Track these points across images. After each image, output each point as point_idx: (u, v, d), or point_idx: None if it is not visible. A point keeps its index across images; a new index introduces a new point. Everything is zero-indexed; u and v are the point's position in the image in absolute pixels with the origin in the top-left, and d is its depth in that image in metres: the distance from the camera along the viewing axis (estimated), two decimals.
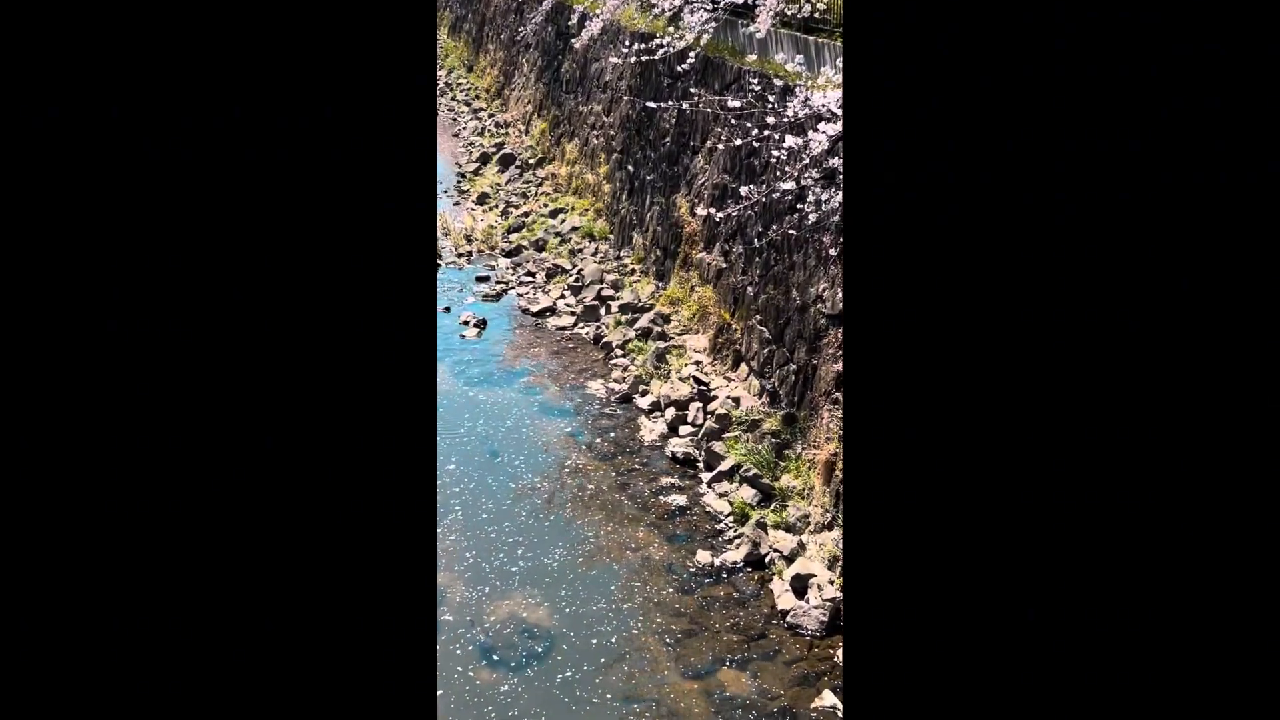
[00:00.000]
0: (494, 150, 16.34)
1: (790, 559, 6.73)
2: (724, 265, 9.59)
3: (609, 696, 5.57)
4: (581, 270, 12.48)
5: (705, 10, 9.90)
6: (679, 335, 10.23)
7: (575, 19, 13.63)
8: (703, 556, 6.81)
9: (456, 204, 14.39)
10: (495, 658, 5.81)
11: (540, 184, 14.75)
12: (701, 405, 8.58)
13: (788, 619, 6.30)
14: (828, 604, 6.07)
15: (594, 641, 5.99)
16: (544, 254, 12.66)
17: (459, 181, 15.19)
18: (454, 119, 18.26)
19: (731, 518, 7.21)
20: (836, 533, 6.66)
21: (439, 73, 20.70)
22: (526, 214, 13.91)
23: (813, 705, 5.42)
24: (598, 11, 12.79)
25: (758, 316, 8.78)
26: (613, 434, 8.58)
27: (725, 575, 6.66)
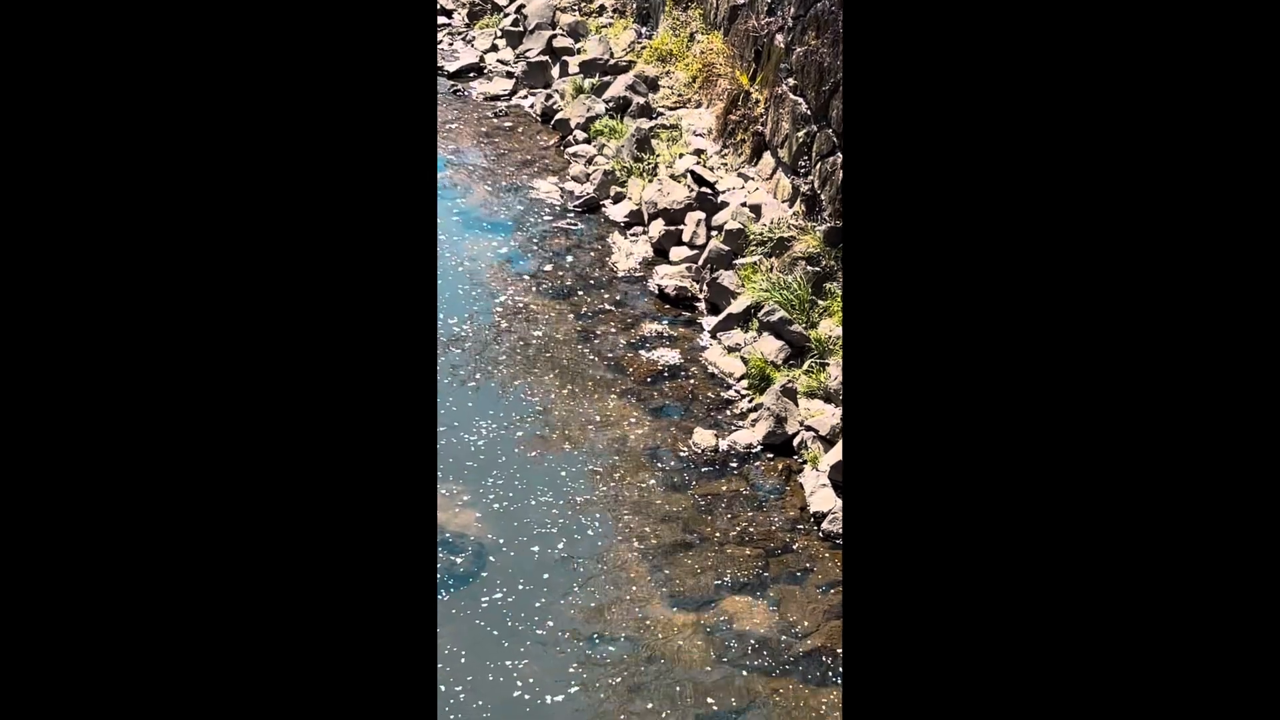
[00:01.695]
0: None
1: (830, 441, 6.58)
2: (740, 0, 8.98)
3: (563, 635, 5.53)
4: (523, 8, 11.59)
5: None
6: (672, 110, 9.86)
7: None
8: (703, 438, 6.86)
9: None
10: None
11: None
12: (704, 216, 8.56)
13: (823, 525, 6.24)
14: None
15: (542, 558, 6.00)
16: None
17: None
18: None
19: (745, 382, 7.28)
20: None
21: None
22: None
23: None
24: None
25: (791, 81, 8.37)
26: (571, 259, 8.68)
27: (735, 464, 6.74)
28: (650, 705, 5.15)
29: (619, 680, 5.28)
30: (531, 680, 5.21)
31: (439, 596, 5.66)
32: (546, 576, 5.82)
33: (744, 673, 5.35)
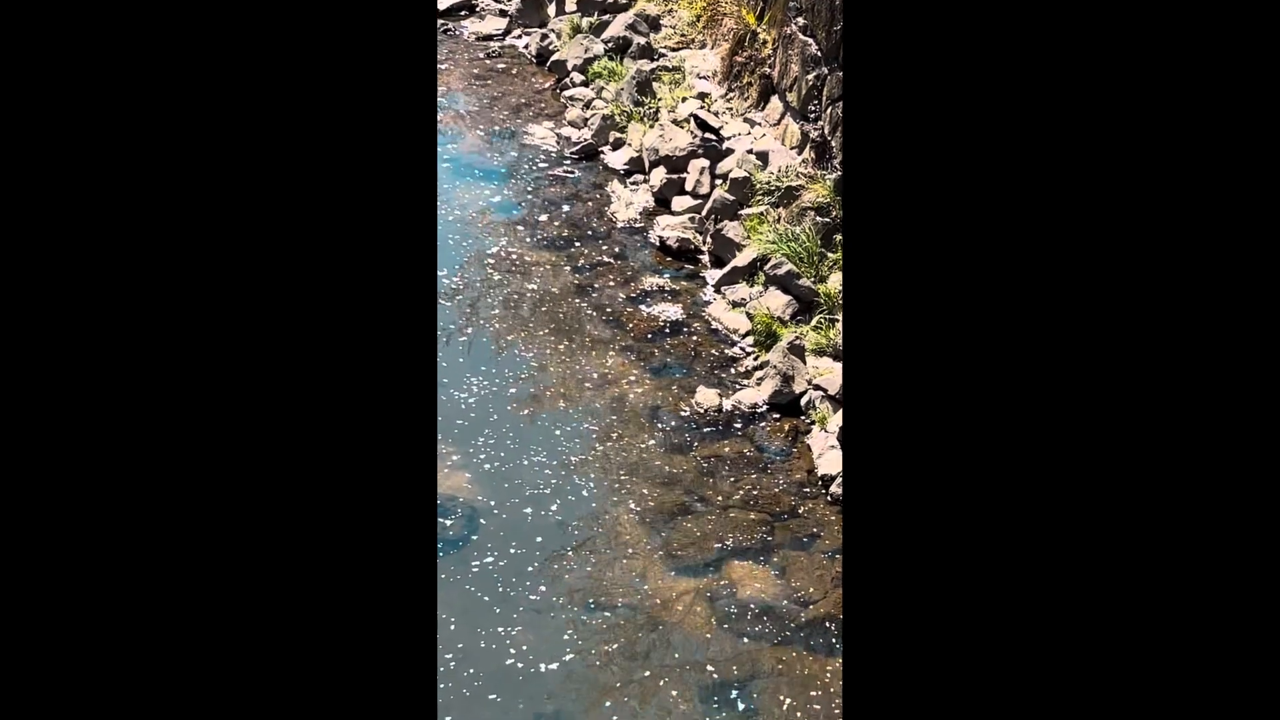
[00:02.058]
0: None
1: (840, 400, 6.67)
2: None
3: (557, 601, 5.61)
4: None
5: None
6: (674, 51, 9.86)
7: None
8: (706, 397, 6.91)
9: None
10: None
11: None
12: (708, 164, 8.57)
13: (831, 489, 6.34)
14: None
15: (536, 521, 6.07)
16: None
17: None
18: None
19: (751, 339, 7.34)
20: None
21: None
22: None
23: None
24: None
25: (800, 20, 8.37)
26: (567, 209, 8.70)
27: (739, 425, 6.79)
28: (648, 674, 5.24)
29: (616, 649, 5.36)
30: (525, 648, 5.30)
31: None
32: (540, 540, 5.89)
33: (747, 641, 5.44)
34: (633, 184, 8.79)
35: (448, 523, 5.96)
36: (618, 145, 9.15)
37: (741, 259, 7.64)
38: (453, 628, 5.38)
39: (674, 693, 5.16)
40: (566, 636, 5.39)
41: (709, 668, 5.32)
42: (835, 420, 6.53)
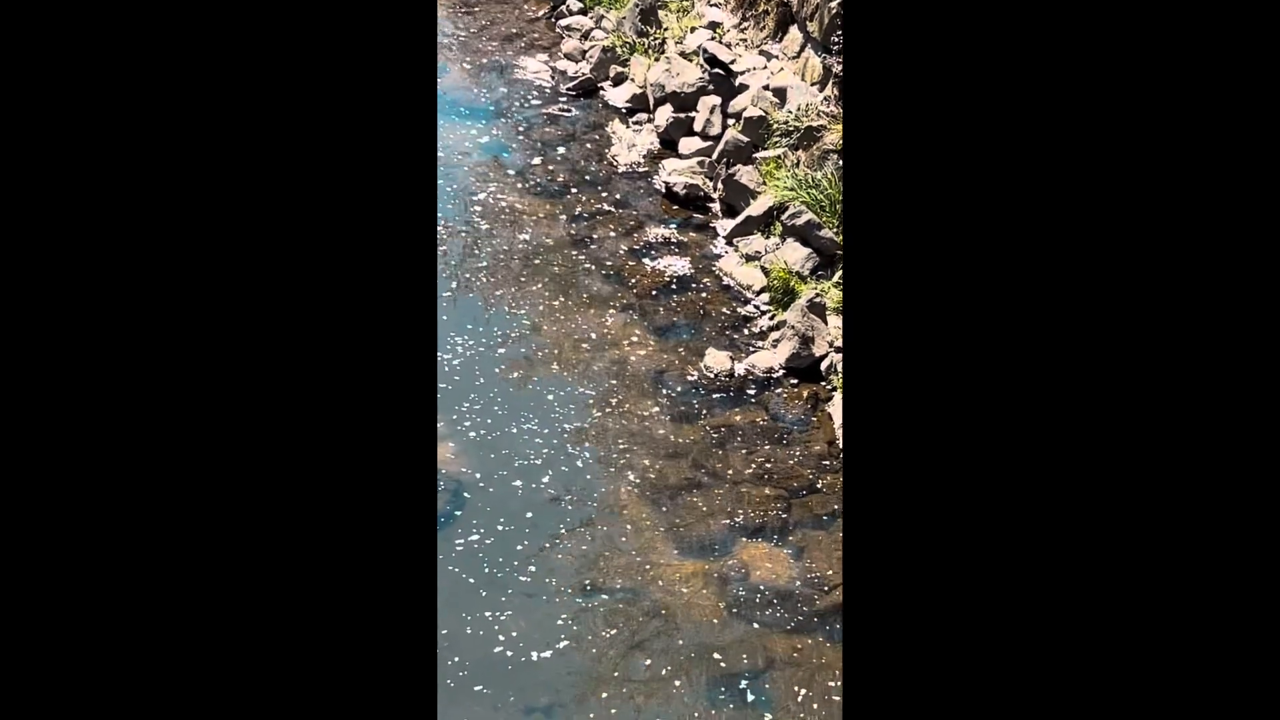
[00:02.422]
0: None
1: None
2: None
3: (551, 584, 5.55)
4: None
5: None
6: None
7: None
8: (716, 360, 6.87)
9: None
10: None
11: None
12: (719, 102, 8.50)
13: None
14: None
15: (528, 496, 6.02)
16: None
17: None
18: None
19: (766, 295, 7.30)
20: None
21: None
22: None
23: None
24: None
25: None
26: (564, 151, 8.64)
27: (753, 391, 6.75)
28: (649, 663, 5.19)
29: (615, 636, 5.31)
30: (515, 634, 5.25)
31: None
32: (531, 517, 5.83)
33: (759, 628, 5.39)
34: (635, 124, 8.71)
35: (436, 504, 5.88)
36: (619, 80, 9.06)
37: (756, 207, 7.57)
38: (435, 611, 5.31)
39: (678, 684, 5.11)
40: (561, 623, 5.33)
41: (717, 657, 5.25)
42: None
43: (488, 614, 5.33)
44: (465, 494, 5.96)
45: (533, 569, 5.56)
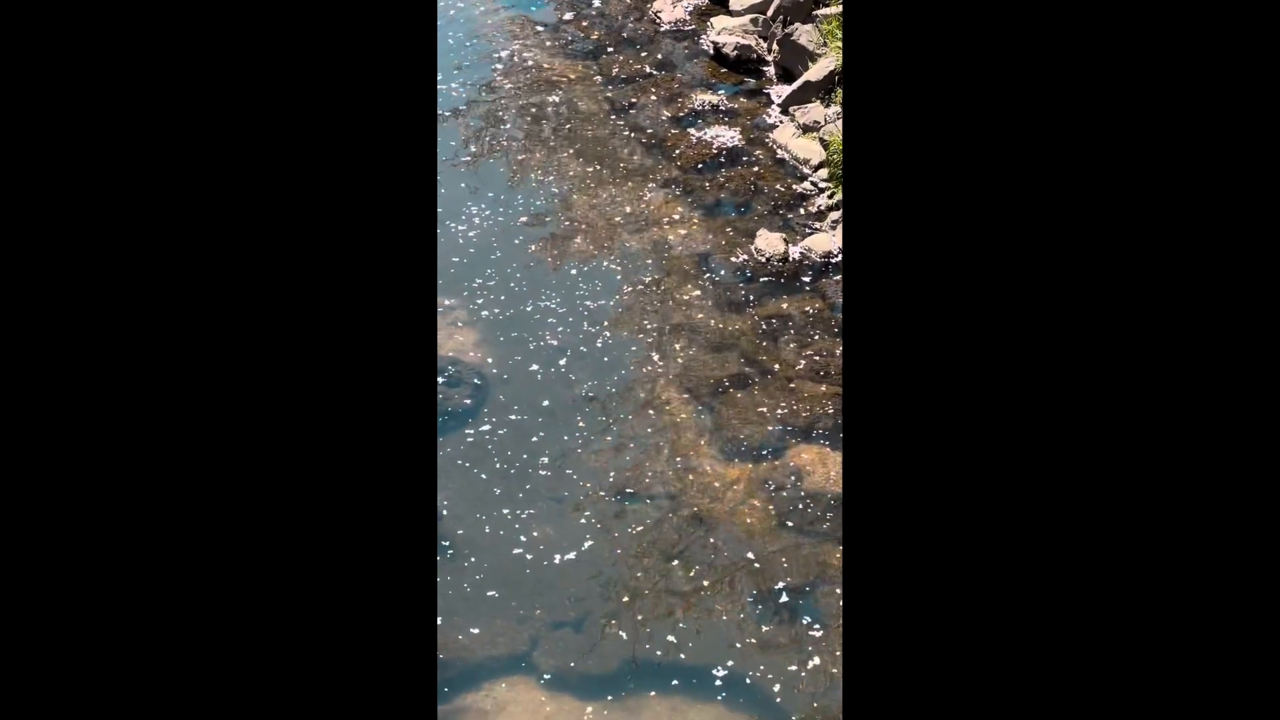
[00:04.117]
0: None
1: None
2: None
3: (580, 485, 5.39)
4: None
5: None
6: None
7: None
8: (768, 242, 6.71)
9: None
10: None
11: None
12: None
13: None
14: None
15: (552, 389, 5.86)
16: None
17: None
18: None
19: (824, 171, 7.10)
20: None
21: None
22: None
23: None
24: None
25: None
26: (599, 5, 8.51)
27: (808, 277, 6.57)
28: (690, 575, 4.98)
29: (651, 544, 5.11)
30: (538, 538, 5.07)
31: None
32: (557, 413, 5.68)
33: (811, 540, 5.22)
34: None
35: (457, 401, 5.81)
36: None
37: (815, 72, 7.31)
38: (446, 512, 5.20)
39: (720, 598, 4.92)
40: (589, 528, 5.15)
41: (767, 572, 5.07)
42: None
43: (505, 512, 5.17)
44: (482, 384, 5.83)
45: (559, 469, 5.41)
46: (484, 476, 5.33)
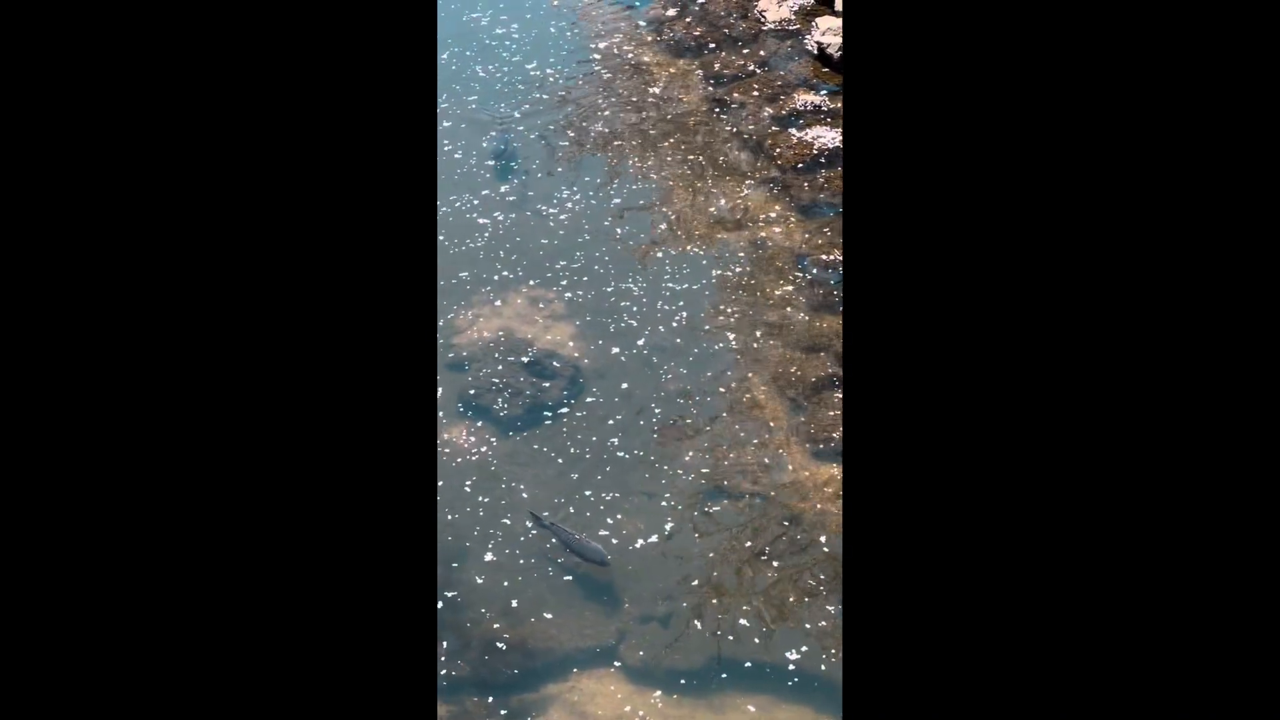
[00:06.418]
0: None
1: None
2: None
3: (669, 480, 5.43)
4: None
5: None
6: None
7: None
8: None
9: None
10: (477, 404, 5.86)
11: None
12: None
13: None
14: None
15: (644, 384, 5.91)
16: None
17: None
18: None
19: None
20: None
21: None
22: None
23: None
24: None
25: None
26: (702, 1, 8.46)
27: None
28: (776, 576, 5.01)
29: (740, 543, 5.15)
30: (627, 534, 5.14)
31: (521, 433, 5.65)
32: (648, 409, 5.71)
33: None
34: None
35: (548, 394, 5.86)
36: None
37: None
38: (531, 502, 5.26)
39: (808, 599, 4.95)
40: (677, 524, 5.21)
41: None
42: None
43: (596, 505, 5.23)
44: (573, 378, 5.88)
45: (648, 463, 5.44)
46: (573, 473, 5.39)
